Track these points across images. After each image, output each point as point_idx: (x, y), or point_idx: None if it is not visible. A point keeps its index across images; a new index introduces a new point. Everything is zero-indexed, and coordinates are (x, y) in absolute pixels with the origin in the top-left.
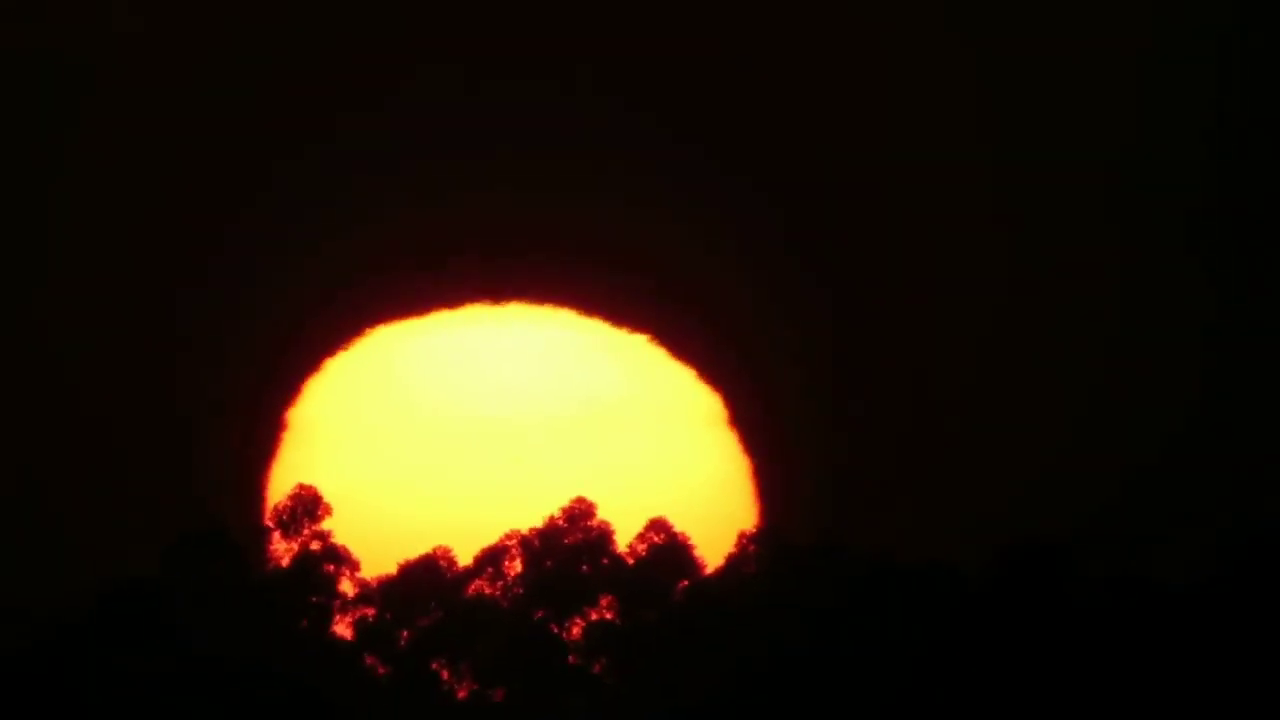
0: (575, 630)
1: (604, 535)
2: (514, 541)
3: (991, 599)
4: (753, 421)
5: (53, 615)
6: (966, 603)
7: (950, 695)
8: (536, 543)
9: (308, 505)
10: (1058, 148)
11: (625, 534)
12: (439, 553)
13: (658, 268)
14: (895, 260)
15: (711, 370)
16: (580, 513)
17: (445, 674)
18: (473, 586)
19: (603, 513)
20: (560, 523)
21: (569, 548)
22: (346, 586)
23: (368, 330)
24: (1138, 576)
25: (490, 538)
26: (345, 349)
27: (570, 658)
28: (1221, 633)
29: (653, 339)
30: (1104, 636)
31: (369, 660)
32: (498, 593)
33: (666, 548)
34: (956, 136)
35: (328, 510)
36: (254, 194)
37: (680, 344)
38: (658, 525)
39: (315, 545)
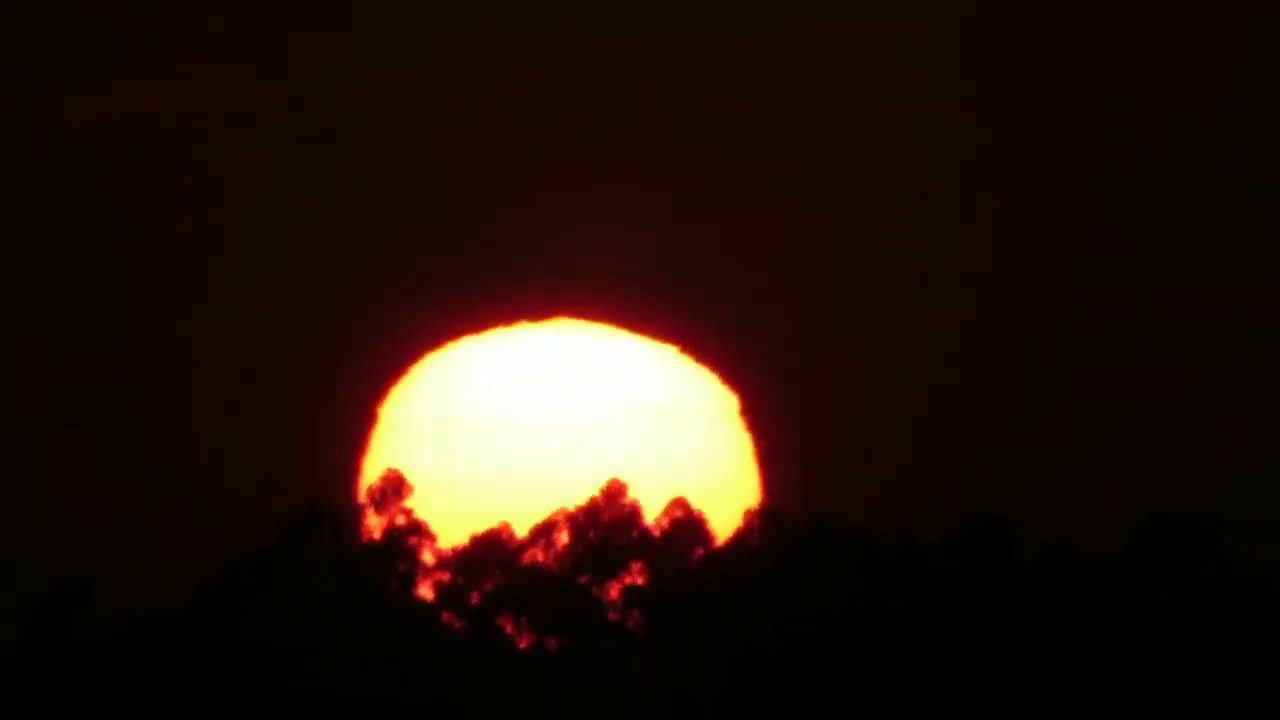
0: (613, 592)
1: (634, 512)
2: (562, 518)
3: (950, 570)
4: (759, 418)
5: (195, 580)
6: (926, 573)
7: (915, 656)
8: (580, 519)
9: (395, 487)
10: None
11: (652, 511)
12: (501, 527)
13: (684, 290)
14: (885, 262)
15: (727, 374)
16: (615, 493)
17: (509, 628)
18: (528, 555)
19: (633, 493)
20: (599, 502)
21: (606, 523)
22: (427, 556)
23: (444, 343)
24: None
25: (542, 515)
26: (424, 357)
27: (609, 614)
28: (1138, 600)
29: (680, 349)
30: (1043, 606)
31: (446, 617)
32: (550, 561)
33: (686, 523)
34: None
35: (411, 491)
36: (362, 225)
37: (702, 353)
38: (679, 504)
39: (401, 521)
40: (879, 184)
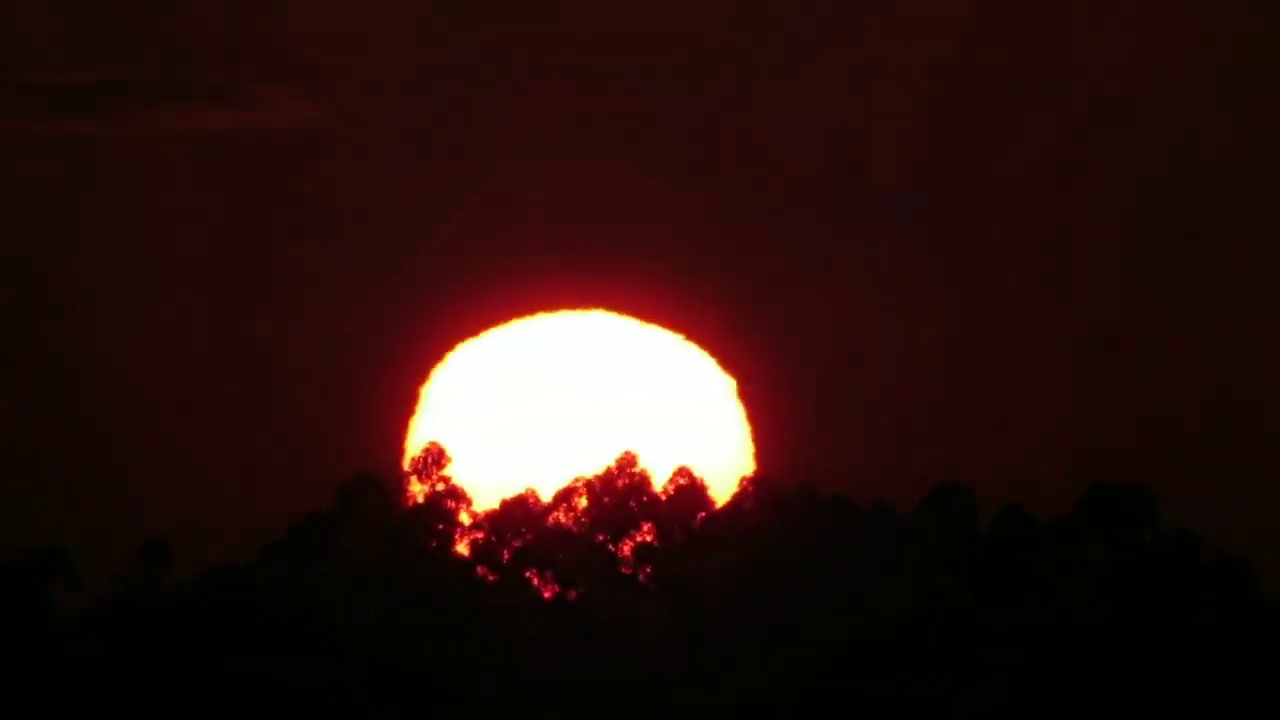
0: (626, 549)
1: (644, 480)
2: (581, 484)
3: (919, 529)
4: (753, 398)
5: (261, 539)
6: (899, 533)
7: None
8: (597, 485)
9: (435, 458)
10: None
11: (659, 479)
12: (528, 493)
13: (689, 286)
14: (862, 261)
15: (725, 360)
16: (627, 463)
17: (535, 580)
18: (552, 517)
19: (643, 463)
20: (614, 471)
21: (620, 489)
22: (464, 517)
23: (476, 332)
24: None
25: (564, 482)
26: (459, 345)
27: (623, 568)
28: (1081, 556)
29: (685, 338)
30: (999, 562)
31: (480, 571)
32: (570, 522)
33: (689, 489)
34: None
35: (449, 461)
36: (405, 227)
37: (704, 341)
38: (683, 472)
39: (440, 488)
40: (859, 185)
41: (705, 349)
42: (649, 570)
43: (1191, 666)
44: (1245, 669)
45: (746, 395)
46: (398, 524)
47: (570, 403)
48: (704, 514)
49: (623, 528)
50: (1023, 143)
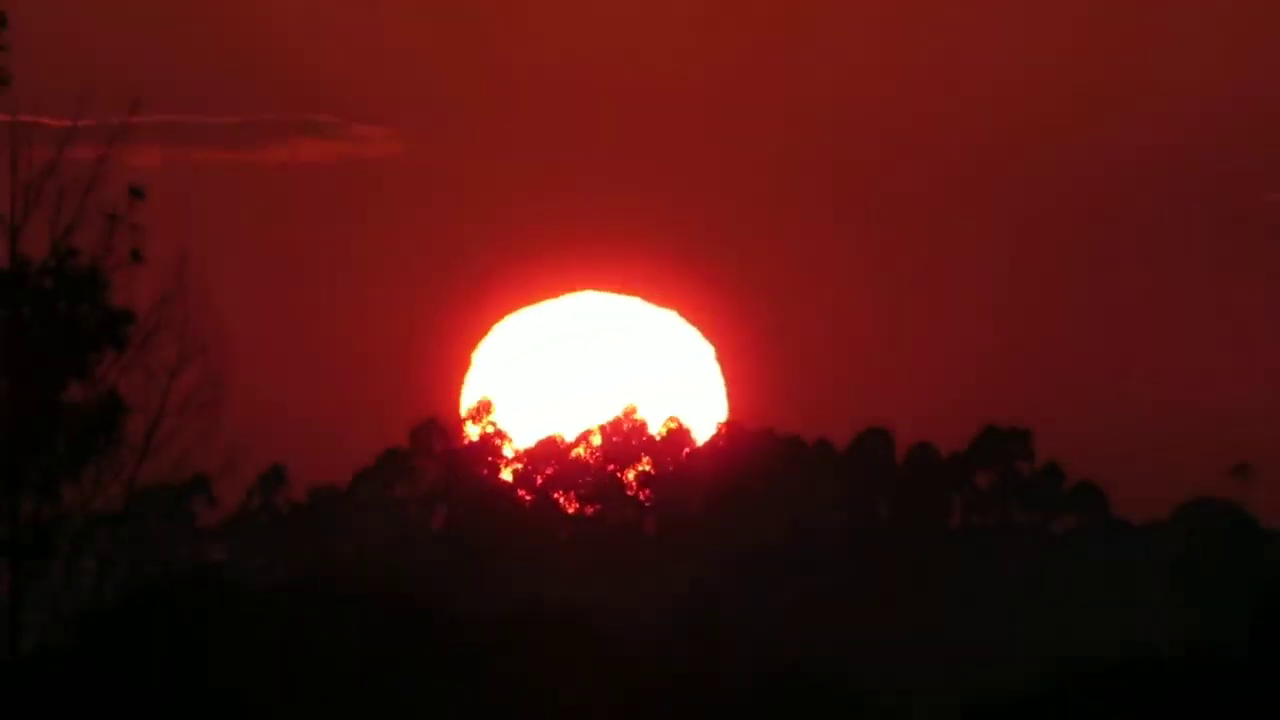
0: (629, 475)
1: (643, 425)
2: (595, 427)
3: (850, 462)
4: (727, 361)
5: (354, 467)
6: (835, 465)
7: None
8: (608, 428)
9: (484, 407)
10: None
11: (655, 423)
12: (556, 435)
13: (678, 271)
14: (817, 248)
15: (707, 330)
16: (630, 412)
17: (560, 499)
18: (573, 453)
19: (642, 412)
20: (620, 418)
21: (625, 431)
22: (507, 452)
23: (514, 309)
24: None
25: (583, 426)
26: (502, 319)
27: (627, 491)
28: (973, 484)
29: (678, 313)
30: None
31: (520, 493)
32: (588, 456)
33: (678, 432)
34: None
35: (493, 409)
36: (458, 236)
37: (691, 315)
38: (673, 419)
39: (489, 430)
40: (825, 187)
41: (693, 323)
42: (647, 493)
43: (1058, 568)
44: (1097, 569)
45: (723, 359)
46: (456, 456)
47: (587, 364)
48: (689, 450)
49: (627, 461)
50: (944, 149)
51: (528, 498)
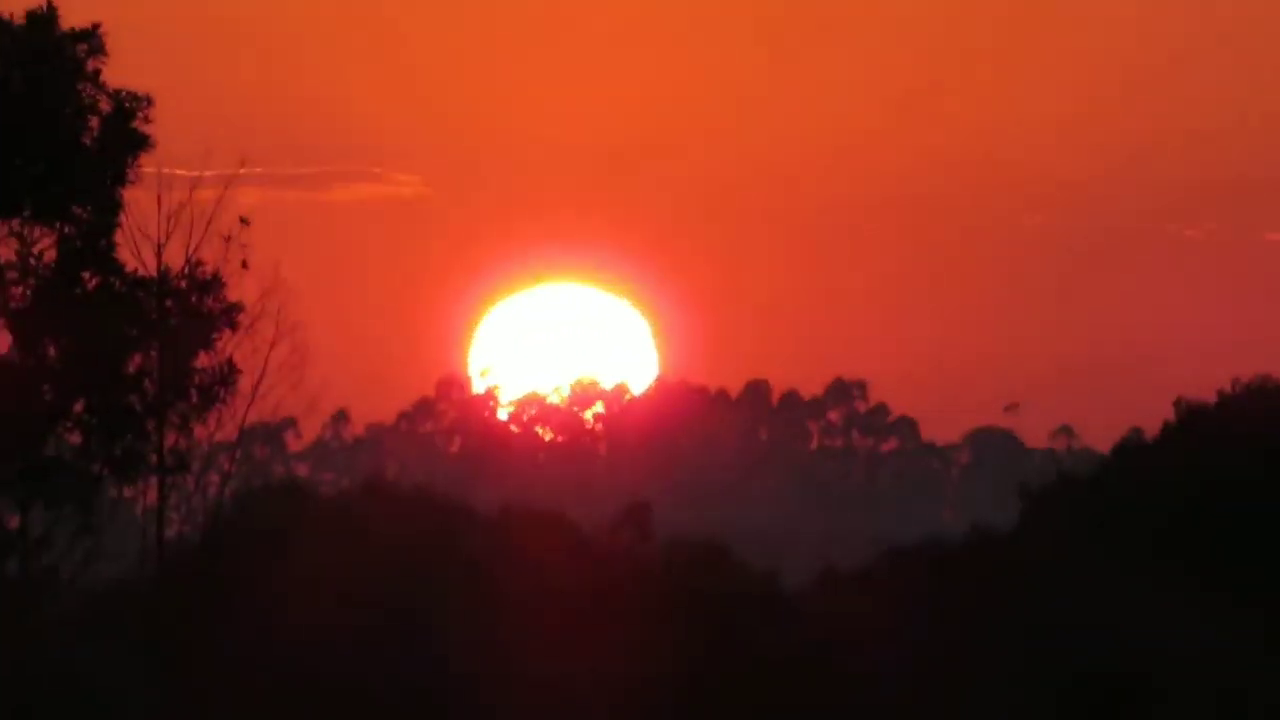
0: (587, 414)
1: (597, 381)
2: (565, 387)
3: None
4: (660, 337)
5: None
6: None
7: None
8: (573, 384)
9: (486, 368)
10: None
11: (606, 380)
12: (536, 389)
13: (624, 268)
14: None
15: (645, 312)
16: (589, 382)
17: (539, 431)
18: (547, 400)
19: (597, 371)
20: (582, 380)
21: (584, 385)
22: (502, 398)
23: (506, 296)
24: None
25: (558, 383)
26: (497, 304)
27: (585, 426)
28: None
29: (629, 302)
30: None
31: (511, 427)
32: (559, 402)
33: (621, 386)
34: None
35: (491, 371)
36: (469, 253)
37: (635, 301)
38: (619, 377)
39: (490, 384)
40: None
41: (636, 307)
42: (600, 428)
43: (885, 477)
44: (912, 478)
45: (656, 334)
46: (467, 403)
47: (559, 338)
48: (629, 398)
49: (586, 406)
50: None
51: (517, 431)
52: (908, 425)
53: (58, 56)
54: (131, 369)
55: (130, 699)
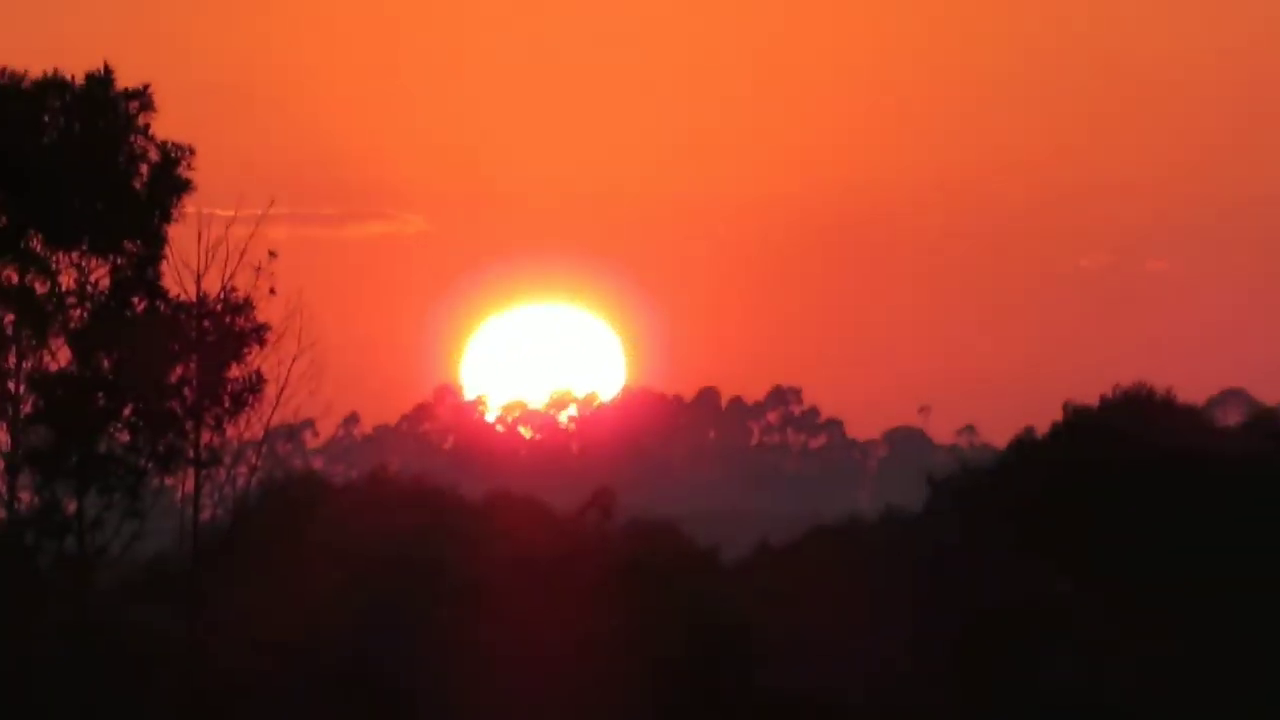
0: (562, 416)
1: (571, 389)
2: (545, 396)
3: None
4: (629, 352)
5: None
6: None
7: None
8: (551, 391)
9: (476, 377)
10: None
11: (579, 388)
12: (519, 396)
13: (602, 292)
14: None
15: (618, 330)
16: (568, 391)
17: (520, 430)
18: (528, 405)
19: (571, 379)
20: (560, 391)
21: (560, 392)
22: (489, 403)
23: (494, 313)
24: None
25: (540, 393)
26: (486, 320)
27: (560, 426)
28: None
29: (605, 321)
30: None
31: (496, 428)
32: (541, 409)
33: (592, 393)
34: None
35: (481, 378)
36: (464, 275)
37: (610, 320)
38: (591, 395)
39: (481, 395)
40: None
41: (604, 321)
42: (573, 429)
43: (815, 468)
44: (837, 470)
45: (624, 348)
46: (459, 407)
47: (539, 352)
48: (599, 403)
49: (561, 409)
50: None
51: (502, 431)
52: (835, 425)
53: (113, 112)
54: (173, 379)
55: (170, 655)
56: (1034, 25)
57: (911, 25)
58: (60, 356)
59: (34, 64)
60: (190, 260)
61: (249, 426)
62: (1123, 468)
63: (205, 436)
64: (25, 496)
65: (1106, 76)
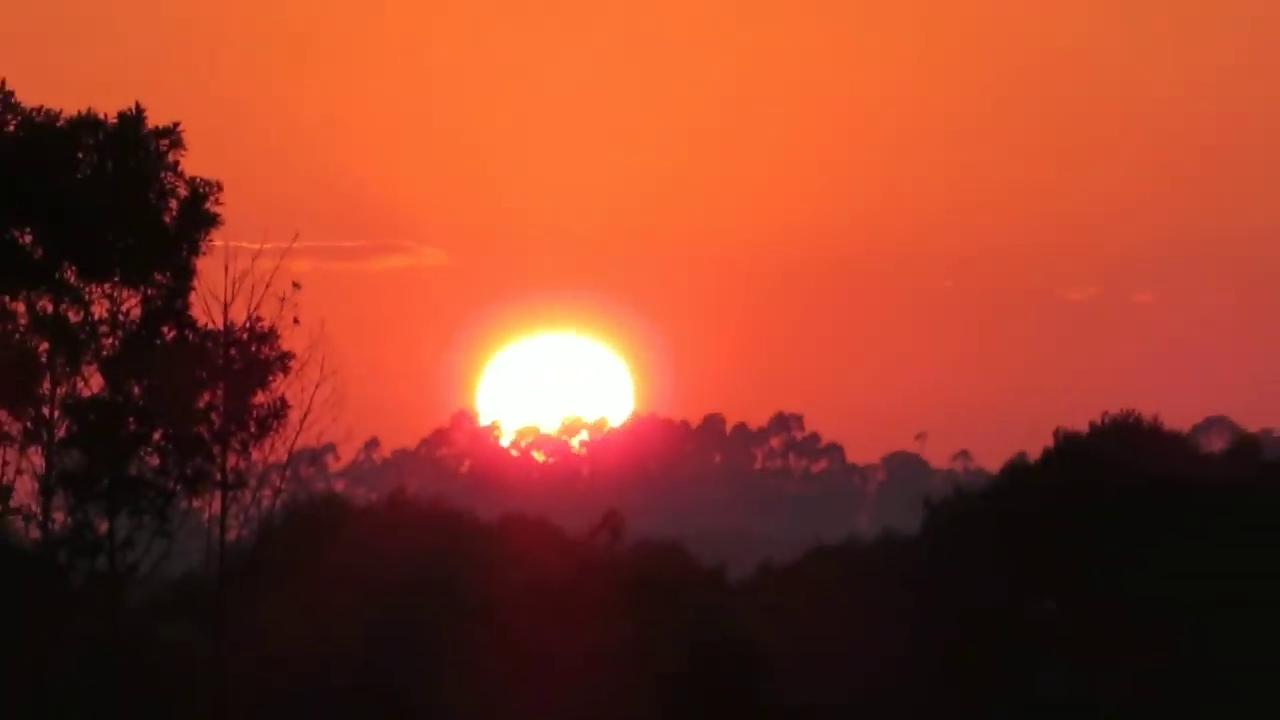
0: (574, 442)
1: (581, 416)
2: (557, 421)
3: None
4: (638, 381)
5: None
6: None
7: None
8: (563, 417)
9: (491, 403)
10: None
11: (589, 414)
12: (532, 422)
13: (612, 323)
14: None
15: (626, 359)
16: (579, 418)
17: (534, 455)
18: (541, 430)
19: (582, 406)
20: (570, 417)
21: (571, 418)
22: (504, 429)
23: (508, 344)
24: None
25: (553, 418)
26: (500, 350)
27: (572, 451)
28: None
29: (612, 350)
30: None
31: (510, 452)
32: (554, 432)
33: (601, 419)
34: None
35: (495, 404)
36: (479, 307)
37: (618, 350)
38: (601, 421)
39: (493, 417)
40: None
41: (614, 350)
42: (584, 453)
43: (816, 491)
44: (837, 494)
45: (632, 375)
46: (475, 433)
47: (552, 380)
48: (609, 429)
49: (572, 435)
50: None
51: (515, 455)
52: (835, 450)
53: (144, 150)
54: (201, 405)
55: (196, 668)
56: (1029, 63)
57: (910, 64)
58: (93, 383)
59: (68, 103)
60: (218, 291)
61: (273, 451)
62: (1112, 492)
63: (231, 460)
64: (59, 517)
65: (1095, 117)
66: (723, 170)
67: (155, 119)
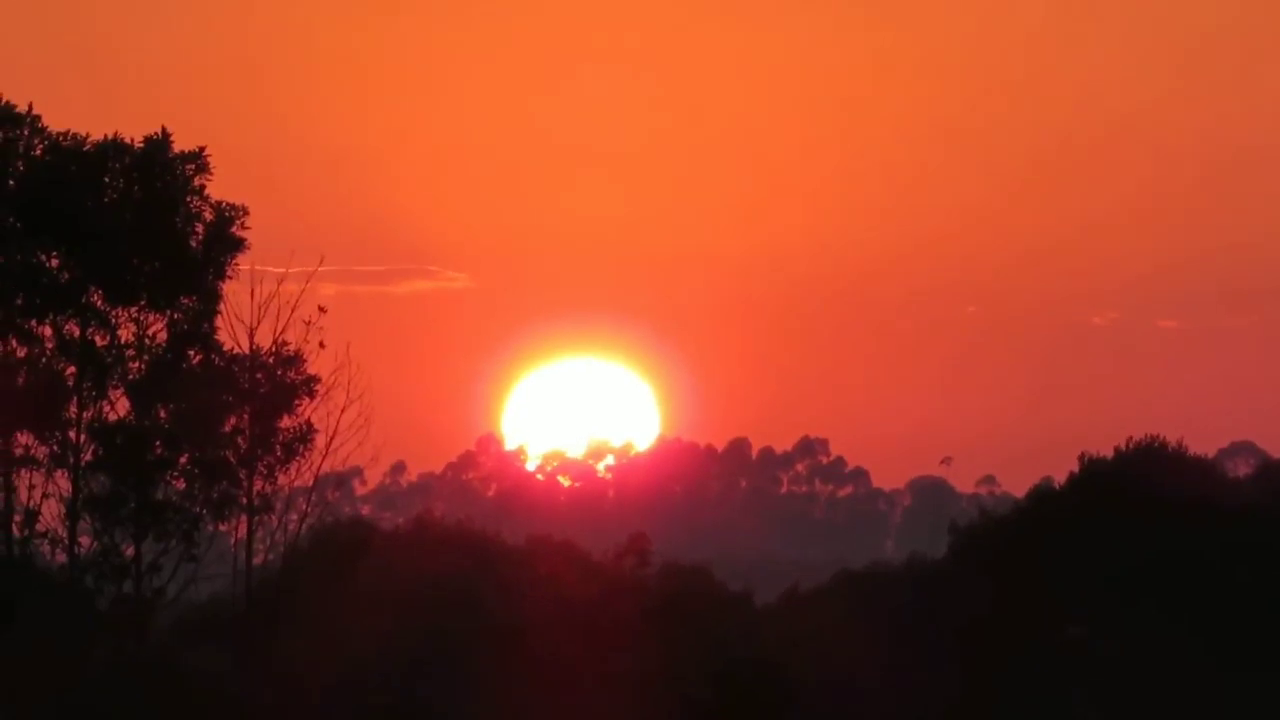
0: (600, 466)
1: (608, 440)
2: (583, 441)
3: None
4: (662, 402)
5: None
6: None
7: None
8: (588, 441)
9: (517, 428)
10: None
11: (615, 437)
12: (558, 446)
13: (633, 345)
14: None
15: (648, 379)
16: (605, 442)
17: (559, 479)
18: (567, 454)
19: (607, 430)
20: (594, 440)
21: (597, 442)
22: (530, 453)
23: (531, 369)
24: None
25: (578, 442)
26: (524, 376)
27: (598, 475)
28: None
29: (633, 370)
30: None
31: (537, 476)
32: (578, 455)
33: (627, 443)
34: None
35: (521, 428)
36: (498, 329)
37: (640, 370)
38: (627, 445)
39: (521, 445)
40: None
41: (638, 373)
42: (610, 477)
43: (843, 516)
44: (863, 517)
45: (657, 399)
46: (501, 456)
47: (578, 404)
48: (635, 453)
49: (598, 459)
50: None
51: (541, 479)
52: (861, 474)
53: (170, 174)
54: (227, 428)
55: (223, 692)
56: (1056, 91)
57: (941, 91)
58: (119, 407)
59: (95, 128)
60: (243, 315)
61: (300, 474)
62: (1137, 517)
63: (258, 484)
64: (85, 541)
65: (1121, 143)
66: (748, 195)
67: (181, 144)
